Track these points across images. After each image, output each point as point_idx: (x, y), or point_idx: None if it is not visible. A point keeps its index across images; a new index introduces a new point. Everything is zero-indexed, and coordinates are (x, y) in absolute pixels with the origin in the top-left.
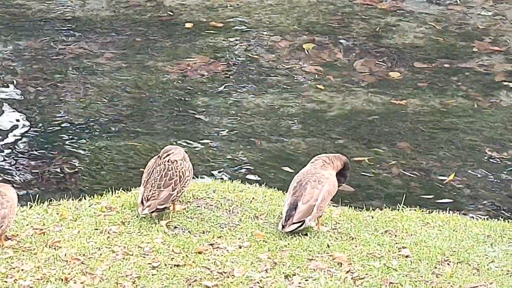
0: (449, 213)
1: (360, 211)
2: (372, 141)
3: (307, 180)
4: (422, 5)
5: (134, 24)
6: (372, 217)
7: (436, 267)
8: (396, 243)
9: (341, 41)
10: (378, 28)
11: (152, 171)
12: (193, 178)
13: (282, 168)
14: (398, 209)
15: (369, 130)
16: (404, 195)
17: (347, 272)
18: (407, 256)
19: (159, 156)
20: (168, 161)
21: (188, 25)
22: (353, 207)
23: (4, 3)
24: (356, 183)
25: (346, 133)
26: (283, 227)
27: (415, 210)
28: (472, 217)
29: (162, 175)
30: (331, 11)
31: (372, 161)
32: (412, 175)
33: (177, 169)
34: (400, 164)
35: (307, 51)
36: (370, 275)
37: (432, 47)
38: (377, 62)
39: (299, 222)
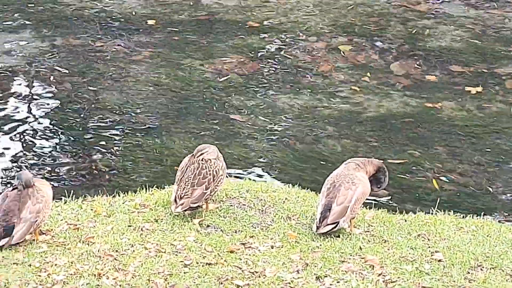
0: (483, 218)
1: (394, 214)
2: (407, 144)
3: (340, 182)
4: (460, 8)
5: (171, 23)
6: (406, 221)
7: (469, 272)
8: (429, 247)
9: (378, 43)
10: (415, 31)
11: (186, 170)
12: (226, 177)
13: (315, 169)
14: (432, 213)
15: (404, 133)
16: (438, 199)
17: (379, 275)
18: (440, 260)
19: (193, 154)
20: (202, 160)
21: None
22: (386, 210)
23: (43, 0)
24: (390, 186)
25: (381, 135)
26: (317, 228)
27: (449, 214)
28: (506, 223)
29: (195, 173)
30: (368, 12)
31: (407, 165)
32: (446, 179)
33: (210, 168)
34: (435, 167)
35: (343, 52)
36: (402, 279)
37: (469, 50)
38: (413, 65)
39: (333, 223)
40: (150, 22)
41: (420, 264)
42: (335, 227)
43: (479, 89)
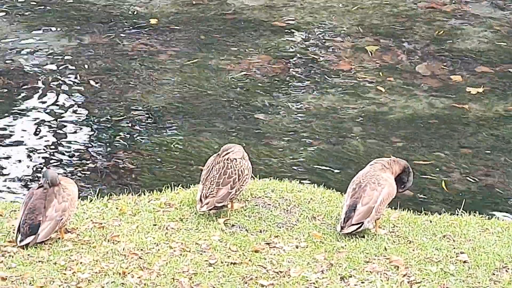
0: (509, 219)
1: (419, 214)
2: (433, 145)
3: (366, 182)
4: (486, 9)
5: (197, 22)
6: (431, 221)
7: (494, 274)
8: (454, 248)
9: (404, 43)
10: (441, 32)
11: (211, 169)
12: (252, 177)
13: (340, 169)
14: (457, 214)
15: (430, 134)
16: (464, 200)
17: (404, 275)
18: (465, 262)
19: (218, 154)
20: (227, 159)
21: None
22: (411, 210)
23: None
24: (415, 187)
25: (407, 136)
26: (341, 228)
27: (474, 215)
28: None
29: (221, 173)
30: (395, 13)
31: (433, 165)
32: (472, 180)
33: (236, 167)
34: (461, 168)
35: (370, 53)
36: (427, 280)
37: (496, 52)
38: (439, 65)
39: (357, 223)
40: (177, 21)
41: (445, 265)
42: (359, 227)
43: (506, 90)
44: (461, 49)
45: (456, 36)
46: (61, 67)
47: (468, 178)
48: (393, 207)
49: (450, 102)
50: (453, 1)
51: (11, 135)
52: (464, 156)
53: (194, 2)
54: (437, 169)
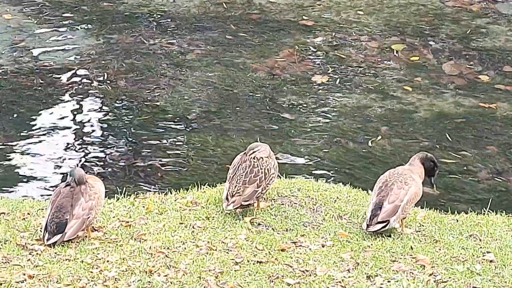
0: None
1: (445, 214)
2: (460, 145)
3: (393, 181)
4: None
5: (224, 21)
6: (457, 221)
7: None
8: (481, 247)
9: (431, 42)
10: (468, 31)
11: (238, 168)
12: (278, 175)
13: (367, 168)
14: (484, 214)
15: (456, 133)
16: (491, 199)
17: (430, 275)
18: (491, 261)
19: (245, 153)
20: (253, 158)
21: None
22: (438, 210)
23: None
24: (442, 186)
25: (433, 135)
26: (367, 226)
27: (501, 215)
28: None
29: (247, 171)
30: (421, 12)
31: (459, 165)
32: (499, 179)
33: (262, 166)
34: (488, 168)
35: (397, 52)
36: (453, 279)
37: None
38: (466, 64)
39: (383, 222)
40: (203, 20)
41: (471, 264)
42: (385, 225)
43: None
44: (488, 48)
45: (483, 35)
46: (88, 66)
47: (495, 178)
48: (419, 206)
49: (477, 101)
50: (481, 0)
51: (38, 134)
52: (491, 155)
53: (220, 1)
54: (464, 168)
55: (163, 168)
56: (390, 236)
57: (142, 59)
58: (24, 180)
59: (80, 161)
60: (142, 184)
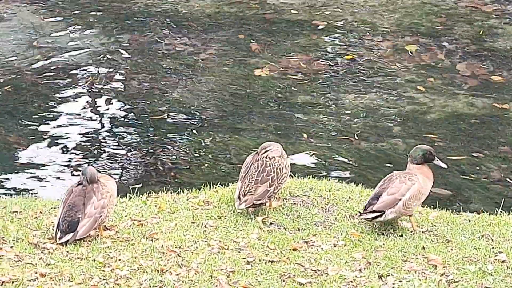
0: None
1: (458, 214)
2: (473, 145)
3: (397, 176)
4: None
5: (237, 21)
6: (469, 221)
7: None
8: (493, 247)
9: (444, 43)
10: (481, 31)
11: (250, 167)
12: (290, 175)
13: (379, 168)
14: (496, 214)
15: (469, 134)
16: (503, 199)
17: (442, 274)
18: (503, 261)
19: (257, 152)
20: (266, 157)
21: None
22: (450, 210)
23: None
24: (454, 187)
25: (446, 136)
26: (360, 214)
27: None
28: None
29: (259, 171)
30: (435, 12)
31: (472, 165)
32: None
33: (274, 165)
34: (501, 168)
35: (410, 52)
36: (465, 279)
37: None
38: (480, 65)
39: (378, 212)
40: (217, 20)
41: (483, 264)
42: (379, 216)
43: None
44: (502, 49)
45: (496, 35)
46: (101, 66)
47: (507, 178)
48: (431, 206)
49: (490, 102)
50: (494, 1)
51: (52, 132)
52: (504, 156)
53: (233, 1)
54: (477, 168)
55: (175, 167)
56: (402, 236)
57: (155, 58)
58: (36, 179)
59: (92, 160)
60: (154, 183)
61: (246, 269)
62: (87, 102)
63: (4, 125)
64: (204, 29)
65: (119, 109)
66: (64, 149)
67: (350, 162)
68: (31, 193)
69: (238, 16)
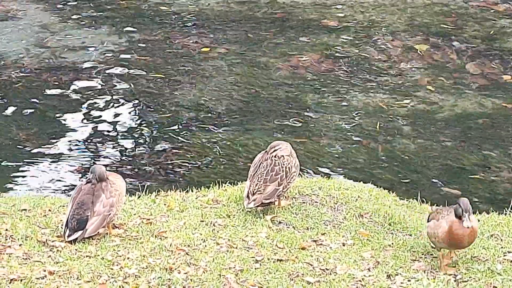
0: None
1: None
2: (482, 144)
3: None
4: None
5: (247, 20)
6: (478, 220)
7: None
8: (502, 247)
9: (454, 42)
10: (492, 31)
11: (259, 166)
12: (299, 174)
13: (388, 167)
14: (505, 214)
15: (479, 133)
16: None
17: (451, 274)
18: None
19: (266, 151)
20: (275, 156)
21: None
22: None
23: None
24: (463, 186)
25: (455, 135)
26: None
27: None
28: None
29: (268, 170)
30: (445, 12)
31: (481, 165)
32: None
33: (283, 164)
34: (510, 168)
35: (420, 52)
36: (474, 278)
37: None
38: (490, 65)
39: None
40: (227, 19)
41: (492, 264)
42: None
43: None
44: None
45: (506, 35)
46: (111, 64)
47: None
48: (441, 206)
49: (500, 101)
50: (505, 1)
51: (61, 131)
52: None
53: (244, 0)
54: (486, 168)
55: (184, 166)
56: (411, 235)
57: (164, 57)
58: (46, 177)
59: (101, 158)
60: (163, 181)
61: (255, 268)
62: (96, 100)
63: (15, 122)
64: (214, 27)
65: (129, 107)
66: (74, 147)
67: (360, 161)
68: (40, 191)
69: (248, 15)
